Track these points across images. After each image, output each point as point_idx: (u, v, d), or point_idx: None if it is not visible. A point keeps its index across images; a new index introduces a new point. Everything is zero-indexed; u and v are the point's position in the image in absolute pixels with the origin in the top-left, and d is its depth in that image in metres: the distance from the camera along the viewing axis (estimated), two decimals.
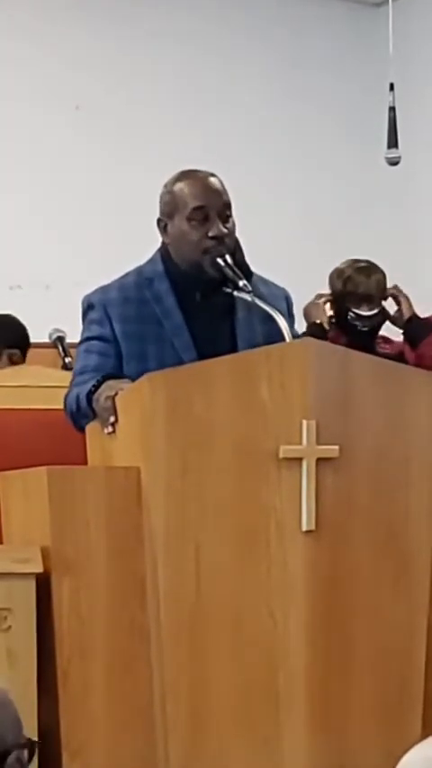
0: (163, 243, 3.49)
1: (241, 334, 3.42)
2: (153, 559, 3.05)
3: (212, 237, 3.37)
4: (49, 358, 5.44)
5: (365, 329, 4.57)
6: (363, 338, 4.53)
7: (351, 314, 4.57)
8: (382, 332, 4.72)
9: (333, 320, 4.64)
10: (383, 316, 4.62)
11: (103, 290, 3.47)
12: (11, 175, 6.31)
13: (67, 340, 5.34)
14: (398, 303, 4.62)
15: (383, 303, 4.62)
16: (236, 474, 3.09)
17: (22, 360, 4.99)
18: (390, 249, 6.45)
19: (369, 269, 4.63)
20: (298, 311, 3.64)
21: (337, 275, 4.65)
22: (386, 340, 4.74)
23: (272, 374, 3.10)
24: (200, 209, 3.39)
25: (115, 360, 3.40)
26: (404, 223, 6.85)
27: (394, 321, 4.64)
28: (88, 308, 3.47)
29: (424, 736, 3.18)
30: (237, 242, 3.47)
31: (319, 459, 3.11)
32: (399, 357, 4.45)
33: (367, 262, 4.67)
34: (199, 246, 3.38)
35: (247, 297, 3.33)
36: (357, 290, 4.58)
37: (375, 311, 4.58)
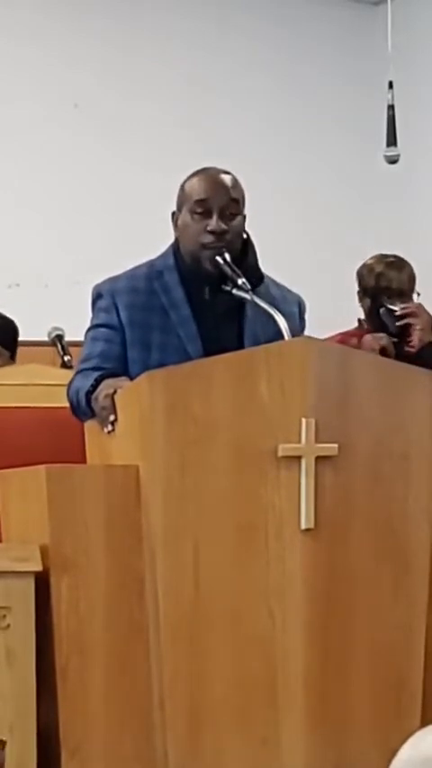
0: (176, 237, 3.50)
1: (248, 334, 3.42)
2: (152, 558, 3.05)
3: (211, 232, 3.37)
4: (47, 356, 5.44)
5: (398, 325, 4.51)
6: (396, 334, 4.47)
7: (383, 310, 4.51)
8: None
9: (364, 318, 4.58)
10: None
11: (113, 279, 3.49)
12: (9, 174, 6.31)
13: (66, 338, 5.34)
14: (410, 329, 4.35)
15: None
16: (235, 472, 3.08)
17: (10, 361, 4.98)
18: (388, 247, 6.45)
19: (400, 264, 4.58)
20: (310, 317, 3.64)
21: (367, 272, 4.59)
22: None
23: (271, 372, 3.09)
24: (202, 201, 3.39)
25: (120, 347, 3.40)
26: (403, 221, 6.85)
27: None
28: (97, 297, 3.49)
29: None
30: (250, 244, 3.47)
31: (318, 458, 3.11)
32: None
33: (395, 256, 4.62)
34: (197, 240, 3.38)
35: (246, 295, 3.33)
36: (391, 285, 4.52)
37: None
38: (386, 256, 4.62)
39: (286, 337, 3.25)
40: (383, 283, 4.52)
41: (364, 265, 4.62)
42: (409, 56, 6.38)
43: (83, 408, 3.31)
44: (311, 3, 7.06)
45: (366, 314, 4.59)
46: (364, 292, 4.58)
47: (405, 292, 4.53)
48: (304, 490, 3.10)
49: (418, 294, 4.56)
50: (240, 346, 3.38)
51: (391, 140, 4.87)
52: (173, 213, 3.48)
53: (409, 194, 6.81)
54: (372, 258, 4.63)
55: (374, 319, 4.53)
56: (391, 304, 4.49)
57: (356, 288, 4.59)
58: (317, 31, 7.08)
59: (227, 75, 6.83)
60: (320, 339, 3.28)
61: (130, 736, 3.06)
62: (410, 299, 4.53)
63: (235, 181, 3.45)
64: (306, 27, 7.06)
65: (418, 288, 4.57)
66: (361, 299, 4.61)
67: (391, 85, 4.86)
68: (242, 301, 3.39)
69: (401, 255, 4.66)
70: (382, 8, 5.93)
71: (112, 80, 6.60)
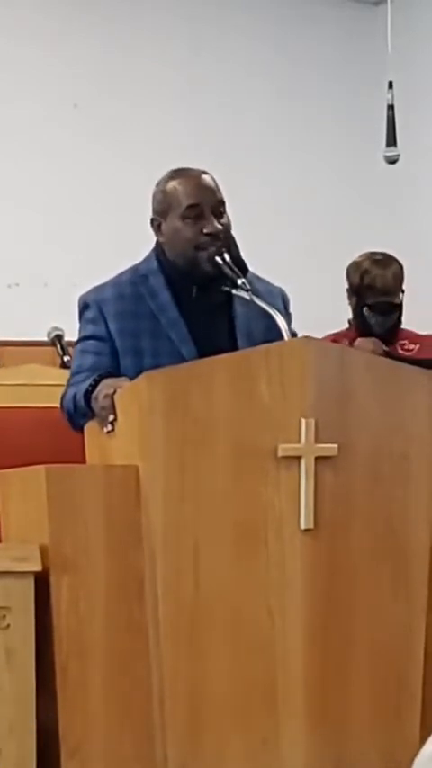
0: (157, 242, 3.49)
1: (240, 330, 3.42)
2: (152, 557, 3.05)
3: (207, 234, 3.37)
4: (47, 356, 5.45)
5: (385, 324, 4.51)
6: (382, 333, 4.48)
7: (366, 309, 4.51)
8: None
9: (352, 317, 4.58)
10: (400, 309, 4.55)
11: (98, 289, 3.49)
12: (9, 173, 6.31)
13: (66, 338, 5.34)
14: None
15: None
16: (234, 472, 3.08)
17: None
18: (388, 247, 6.46)
19: (386, 261, 4.57)
20: (295, 309, 3.64)
21: (354, 269, 4.59)
22: (412, 339, 4.64)
23: (271, 372, 3.09)
24: (194, 206, 3.39)
25: (111, 358, 3.40)
26: (403, 221, 6.85)
27: None
28: (84, 307, 3.49)
29: (422, 736, 3.19)
30: (232, 238, 3.47)
31: (317, 458, 3.11)
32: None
33: (383, 254, 4.61)
34: (194, 243, 3.38)
35: (246, 295, 3.34)
36: (375, 283, 4.51)
37: (391, 302, 4.52)
38: (374, 254, 4.61)
39: (286, 337, 3.25)
40: (367, 281, 4.51)
41: (353, 262, 4.62)
42: (409, 56, 6.38)
43: (82, 409, 3.30)
44: (311, 3, 7.06)
45: (353, 312, 4.58)
46: (350, 290, 4.58)
47: (390, 291, 4.52)
48: (304, 490, 3.10)
49: (403, 292, 4.55)
50: (233, 342, 3.39)
51: (391, 140, 4.87)
52: (152, 220, 3.47)
53: (409, 194, 6.81)
54: (360, 255, 4.62)
55: (359, 318, 4.53)
56: (375, 303, 4.49)
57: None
58: (317, 31, 7.08)
59: (227, 75, 6.83)
60: (320, 339, 3.28)
61: (130, 736, 3.07)
62: (396, 297, 4.53)
63: (215, 180, 3.46)
64: (306, 27, 7.06)
65: (419, 289, 4.57)
66: (349, 298, 4.61)
67: (391, 85, 4.86)
68: (229, 297, 3.40)
69: (395, 254, 4.65)
70: (382, 9, 5.93)
71: (111, 80, 6.60)
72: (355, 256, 4.69)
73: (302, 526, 3.10)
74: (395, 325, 4.56)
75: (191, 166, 3.50)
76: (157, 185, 3.48)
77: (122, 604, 3.06)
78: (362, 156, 6.67)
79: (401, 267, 4.57)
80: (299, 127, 6.97)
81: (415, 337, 4.65)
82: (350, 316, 4.64)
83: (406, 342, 4.60)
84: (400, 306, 4.55)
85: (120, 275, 3.51)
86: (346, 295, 4.62)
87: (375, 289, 4.50)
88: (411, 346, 4.58)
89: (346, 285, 4.61)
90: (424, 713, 3.25)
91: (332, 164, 6.99)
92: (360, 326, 4.52)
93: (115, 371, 3.35)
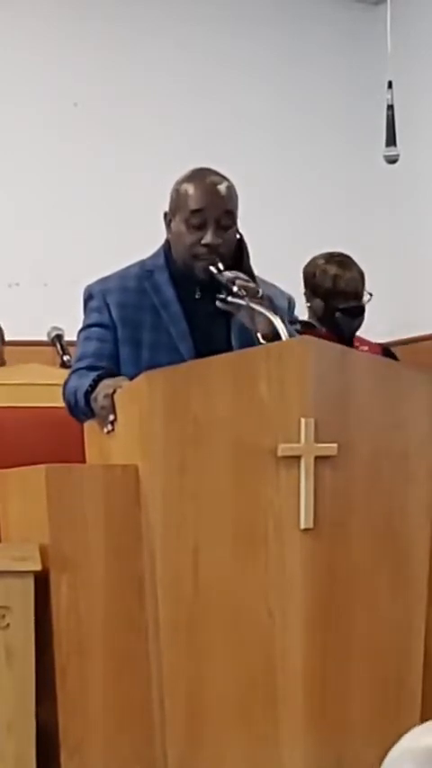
0: (167, 239, 3.50)
1: (236, 337, 3.42)
2: (151, 557, 3.05)
3: (205, 245, 3.37)
4: (47, 356, 5.45)
5: (354, 326, 4.52)
6: (349, 335, 4.50)
7: (339, 313, 4.51)
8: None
9: (315, 319, 4.58)
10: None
11: (104, 280, 3.51)
12: (9, 172, 6.31)
13: (66, 338, 5.34)
14: None
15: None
16: (234, 472, 3.09)
17: None
18: (388, 247, 6.46)
19: (350, 263, 4.57)
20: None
21: (320, 273, 4.57)
22: (362, 341, 4.70)
23: (271, 372, 3.10)
24: (198, 212, 3.39)
25: (113, 345, 3.42)
26: (402, 221, 6.85)
27: None
28: (89, 297, 3.51)
29: None
30: (244, 249, 3.47)
31: (317, 458, 3.11)
32: None
33: (342, 255, 4.60)
34: (190, 251, 3.39)
35: (242, 302, 3.33)
36: (348, 288, 4.51)
37: (362, 305, 4.54)
38: (333, 255, 4.60)
39: (284, 338, 3.25)
40: (341, 286, 4.50)
41: (315, 265, 4.59)
42: (409, 56, 6.38)
43: (81, 408, 3.31)
44: (311, 3, 7.06)
45: (320, 315, 4.56)
46: (314, 293, 4.56)
47: (360, 294, 4.52)
48: (304, 490, 3.10)
49: (371, 295, 4.55)
50: (229, 345, 3.39)
51: (391, 140, 4.87)
52: (165, 214, 3.48)
53: (409, 194, 6.81)
54: (321, 258, 4.61)
55: (328, 321, 4.52)
56: (347, 307, 4.48)
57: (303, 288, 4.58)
58: (316, 30, 7.08)
59: (226, 74, 6.83)
60: (320, 339, 3.28)
61: (130, 736, 3.07)
62: (363, 298, 4.52)
63: (230, 190, 3.44)
64: (305, 27, 7.06)
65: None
66: (309, 300, 4.59)
67: (390, 85, 4.86)
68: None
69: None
70: (382, 8, 5.92)
71: (111, 79, 6.60)
72: (354, 256, 4.67)
73: (302, 526, 3.10)
74: (359, 326, 4.59)
75: (211, 168, 3.47)
76: (176, 182, 3.48)
77: (122, 604, 3.07)
78: (362, 156, 6.67)
79: (359, 266, 4.59)
80: (298, 127, 6.97)
81: (363, 341, 4.70)
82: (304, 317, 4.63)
83: (358, 345, 4.63)
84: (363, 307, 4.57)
85: (127, 268, 3.52)
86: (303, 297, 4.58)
87: (348, 293, 4.50)
88: (363, 348, 4.63)
89: (302, 289, 4.58)
90: (423, 713, 3.25)
91: (332, 164, 6.99)
92: (330, 330, 4.51)
93: (115, 364, 3.37)
